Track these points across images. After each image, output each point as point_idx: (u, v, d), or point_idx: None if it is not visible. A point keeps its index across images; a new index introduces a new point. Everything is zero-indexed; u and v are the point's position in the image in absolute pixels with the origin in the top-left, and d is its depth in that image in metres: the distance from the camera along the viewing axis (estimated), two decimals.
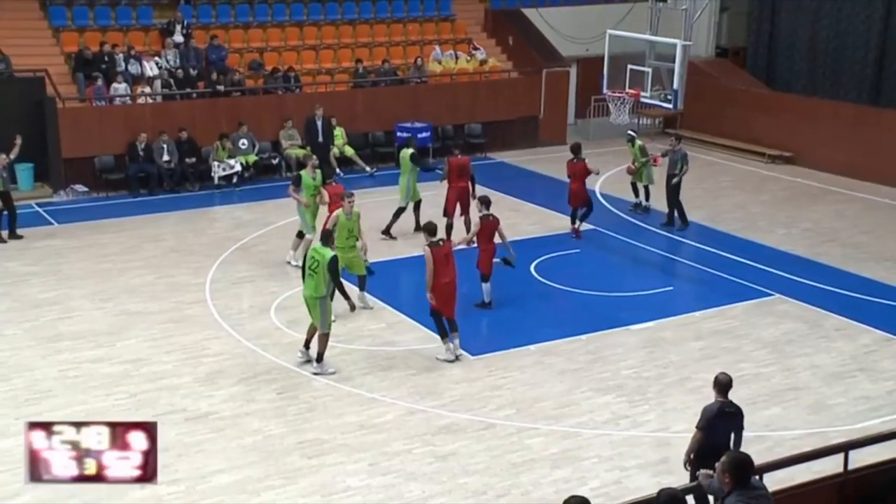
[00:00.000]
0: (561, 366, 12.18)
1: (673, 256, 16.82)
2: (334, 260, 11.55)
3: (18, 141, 17.24)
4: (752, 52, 27.39)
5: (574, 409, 11.07)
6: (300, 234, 15.25)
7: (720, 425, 8.24)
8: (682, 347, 12.79)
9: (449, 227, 15.90)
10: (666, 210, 17.94)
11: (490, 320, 13.67)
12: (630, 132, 19.04)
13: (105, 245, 16.65)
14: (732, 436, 8.35)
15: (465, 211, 16.29)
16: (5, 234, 16.80)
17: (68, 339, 12.80)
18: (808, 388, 11.73)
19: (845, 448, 7.74)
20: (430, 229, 12.24)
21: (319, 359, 11.78)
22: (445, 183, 16.50)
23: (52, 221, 17.99)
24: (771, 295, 14.59)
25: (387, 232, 16.72)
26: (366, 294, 13.82)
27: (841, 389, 11.69)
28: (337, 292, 11.68)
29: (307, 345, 12.07)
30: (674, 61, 19.87)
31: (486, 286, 13.66)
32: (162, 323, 13.34)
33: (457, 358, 12.18)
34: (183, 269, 15.50)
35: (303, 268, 11.87)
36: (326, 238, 11.91)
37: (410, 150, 16.76)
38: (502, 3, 26.95)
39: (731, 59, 27.97)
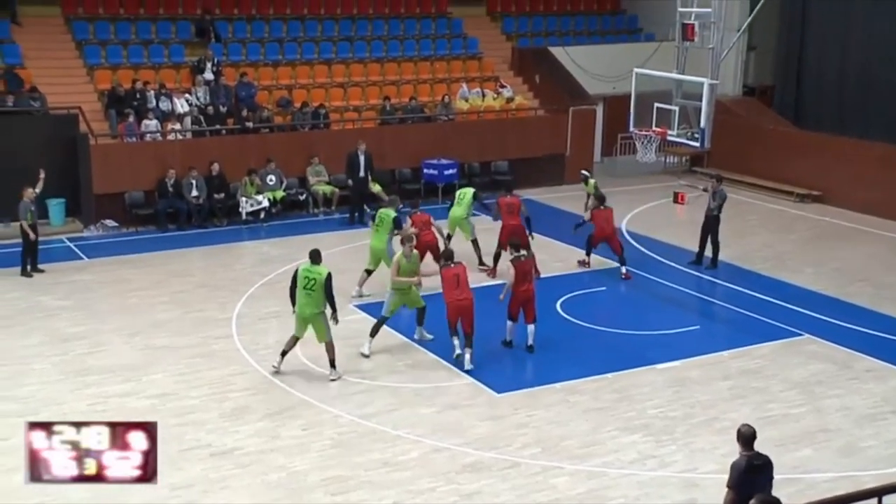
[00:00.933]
0: (586, 404, 12.10)
1: (700, 295, 16.68)
2: (329, 277, 12.25)
3: (42, 175, 17.48)
4: (780, 90, 27.35)
5: (600, 449, 10.98)
6: (368, 272, 15.62)
7: (750, 479, 7.88)
8: (709, 387, 12.66)
9: (497, 257, 16.76)
10: (695, 249, 17.84)
11: (515, 358, 13.61)
12: (583, 172, 18.89)
13: (134, 280, 16.80)
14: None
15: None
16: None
17: (96, 373, 12.88)
18: (840, 430, 11.57)
19: (879, 493, 7.57)
20: (446, 256, 13.46)
21: (333, 364, 12.54)
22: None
23: (83, 256, 18.18)
24: (800, 335, 14.44)
25: (482, 263, 17.07)
26: (423, 328, 13.95)
27: (873, 432, 11.52)
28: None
29: (284, 354, 12.70)
30: (701, 100, 19.84)
31: (510, 324, 13.63)
32: (189, 358, 13.40)
33: (457, 357, 12.91)
34: (210, 304, 15.59)
35: (291, 290, 12.43)
36: (316, 256, 12.52)
37: (473, 189, 17.61)
38: (529, 42, 27.15)
39: (758, 97, 27.91)
